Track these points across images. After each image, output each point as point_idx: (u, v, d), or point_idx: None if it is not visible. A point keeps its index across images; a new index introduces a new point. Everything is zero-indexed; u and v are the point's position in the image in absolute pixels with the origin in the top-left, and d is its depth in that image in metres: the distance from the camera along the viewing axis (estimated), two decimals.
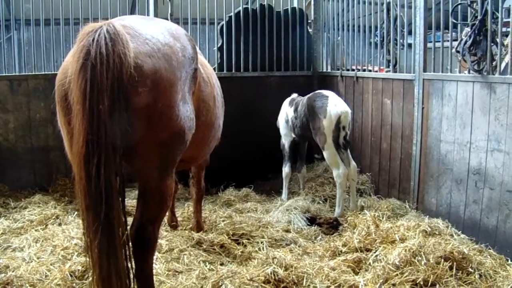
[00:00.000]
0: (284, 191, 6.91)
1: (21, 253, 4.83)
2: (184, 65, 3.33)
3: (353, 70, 7.53)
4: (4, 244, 5.06)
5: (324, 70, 8.36)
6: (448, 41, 5.76)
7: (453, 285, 4.24)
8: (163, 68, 3.06)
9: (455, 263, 4.45)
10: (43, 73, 6.72)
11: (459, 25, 5.63)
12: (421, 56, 6.03)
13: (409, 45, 6.60)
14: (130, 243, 3.14)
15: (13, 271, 4.36)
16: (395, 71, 6.71)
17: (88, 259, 2.93)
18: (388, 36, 6.71)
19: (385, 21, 6.76)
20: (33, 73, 6.67)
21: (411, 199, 6.28)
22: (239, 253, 5.06)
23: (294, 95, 6.90)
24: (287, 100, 6.89)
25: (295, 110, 6.51)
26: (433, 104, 5.89)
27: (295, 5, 8.22)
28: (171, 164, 3.36)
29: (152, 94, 2.97)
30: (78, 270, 4.32)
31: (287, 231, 5.70)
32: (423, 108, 6.03)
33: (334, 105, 6.00)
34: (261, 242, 5.27)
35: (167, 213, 5.71)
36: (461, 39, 5.37)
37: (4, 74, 6.52)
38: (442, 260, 4.46)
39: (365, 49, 7.66)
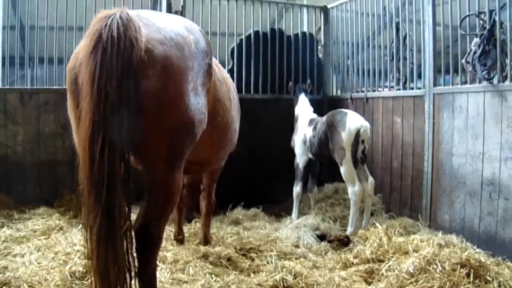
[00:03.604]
0: (295, 210, 6.77)
1: (22, 259, 4.70)
2: (197, 57, 3.31)
3: (362, 91, 7.52)
4: (4, 251, 4.93)
5: (334, 94, 8.40)
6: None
7: None
8: (174, 55, 3.04)
9: (472, 270, 4.26)
10: (54, 87, 6.75)
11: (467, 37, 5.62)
12: (430, 72, 6.03)
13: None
14: (134, 239, 3.03)
15: (11, 272, 4.23)
16: (405, 89, 6.70)
17: (87, 247, 2.82)
18: (398, 55, 6.74)
19: (394, 40, 6.82)
20: (44, 86, 6.68)
21: (423, 217, 6.11)
22: (247, 266, 4.89)
23: (313, 116, 6.87)
24: (306, 119, 6.82)
25: (314, 129, 6.48)
26: (444, 118, 5.83)
27: (305, 29, 8.35)
28: (179, 157, 3.27)
29: (161, 80, 2.95)
30: (79, 271, 4.19)
31: (297, 246, 5.56)
32: (434, 123, 5.96)
33: (353, 119, 5.97)
34: (270, 256, 5.10)
35: (173, 227, 5.61)
36: (470, 50, 5.39)
37: (15, 87, 6.57)
38: (458, 266, 4.29)
39: (375, 71, 7.66)
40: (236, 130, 4.71)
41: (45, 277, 4.14)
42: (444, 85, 6.05)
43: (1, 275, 4.19)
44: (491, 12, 5.21)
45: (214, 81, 3.77)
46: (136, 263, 3.02)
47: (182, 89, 3.10)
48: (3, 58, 6.77)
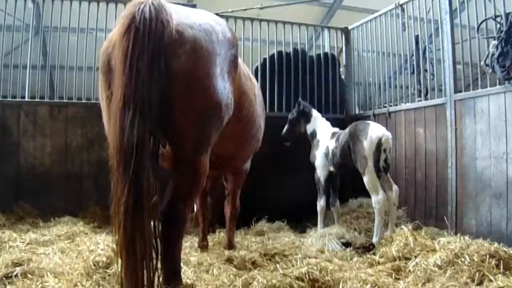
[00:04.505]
0: (319, 225, 6.65)
1: (46, 257, 4.72)
2: (224, 45, 3.46)
3: (385, 106, 7.57)
4: (29, 251, 4.95)
5: (357, 112, 8.47)
6: None
7: (501, 280, 3.91)
8: (202, 38, 3.21)
9: (501, 262, 4.16)
10: (82, 101, 6.94)
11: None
12: (451, 78, 6.08)
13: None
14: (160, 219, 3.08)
15: (35, 263, 4.27)
16: (426, 99, 6.74)
17: (114, 222, 2.87)
18: (418, 67, 6.84)
19: (414, 54, 6.93)
20: (73, 100, 6.91)
21: (449, 224, 5.97)
22: (271, 268, 4.80)
23: (335, 129, 6.87)
24: (327, 133, 6.82)
25: (336, 140, 6.50)
26: (466, 123, 5.84)
27: (327, 50, 8.55)
28: (206, 139, 3.36)
29: (191, 61, 3.09)
30: (103, 261, 4.17)
31: (322, 252, 5.46)
32: (456, 129, 5.95)
33: (375, 128, 5.98)
34: (295, 259, 5.02)
35: (198, 235, 5.59)
36: (489, 52, 5.46)
37: (45, 100, 6.75)
38: (487, 257, 4.19)
39: (396, 87, 7.75)
40: (261, 127, 4.78)
41: (69, 268, 4.15)
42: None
43: (25, 265, 4.21)
44: (507, 14, 5.31)
45: (240, 75, 3.90)
46: (162, 246, 3.05)
47: (210, 70, 3.22)
48: (32, 98, 6.97)
